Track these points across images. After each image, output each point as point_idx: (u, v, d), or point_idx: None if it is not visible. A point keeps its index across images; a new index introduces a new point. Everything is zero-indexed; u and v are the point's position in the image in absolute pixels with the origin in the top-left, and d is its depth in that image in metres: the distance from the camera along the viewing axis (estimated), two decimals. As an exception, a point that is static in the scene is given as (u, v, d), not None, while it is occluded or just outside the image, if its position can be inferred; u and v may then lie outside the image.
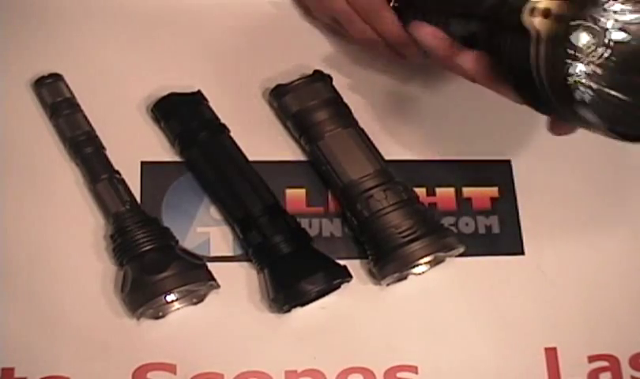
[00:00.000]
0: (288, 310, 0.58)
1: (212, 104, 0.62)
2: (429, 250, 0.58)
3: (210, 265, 0.58)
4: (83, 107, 0.61)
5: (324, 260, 0.58)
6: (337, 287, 0.59)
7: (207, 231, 0.60)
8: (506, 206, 0.64)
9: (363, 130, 0.62)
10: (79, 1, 0.66)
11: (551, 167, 0.66)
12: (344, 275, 0.59)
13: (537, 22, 0.44)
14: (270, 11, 0.68)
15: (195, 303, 0.58)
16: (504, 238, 0.63)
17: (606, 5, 0.43)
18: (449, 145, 0.66)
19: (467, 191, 0.64)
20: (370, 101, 0.65)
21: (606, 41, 0.43)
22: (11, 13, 0.64)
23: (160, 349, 0.57)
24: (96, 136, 0.60)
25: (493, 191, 0.65)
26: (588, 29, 0.43)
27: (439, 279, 0.61)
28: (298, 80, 0.62)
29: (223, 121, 0.62)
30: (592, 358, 0.61)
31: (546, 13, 0.44)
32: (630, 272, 0.64)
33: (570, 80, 0.43)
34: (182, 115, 0.61)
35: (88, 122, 0.60)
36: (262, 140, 0.63)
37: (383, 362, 0.59)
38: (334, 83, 0.63)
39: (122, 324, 0.57)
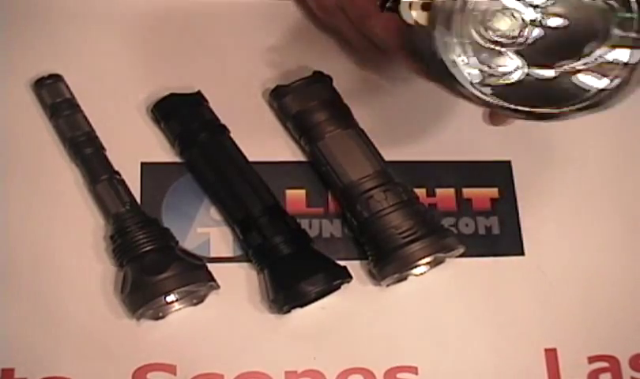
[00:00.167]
0: (288, 311, 0.58)
1: (212, 105, 0.62)
2: (429, 251, 0.58)
3: (210, 266, 0.58)
4: (83, 108, 0.61)
5: (324, 261, 0.58)
6: (337, 287, 0.59)
7: (207, 232, 0.60)
8: (506, 206, 0.64)
9: (363, 131, 0.62)
10: (79, 2, 0.66)
11: (551, 167, 0.66)
12: (344, 276, 0.59)
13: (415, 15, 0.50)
14: (270, 11, 0.68)
15: (195, 304, 0.58)
16: (504, 239, 0.63)
17: None
18: (449, 146, 0.66)
19: (467, 192, 0.64)
20: (370, 101, 0.65)
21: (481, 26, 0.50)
22: (11, 14, 0.64)
23: (160, 349, 0.57)
24: (96, 137, 0.60)
25: (493, 192, 0.65)
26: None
27: (439, 280, 0.61)
28: (298, 80, 0.62)
29: (223, 121, 0.62)
30: (592, 359, 0.61)
31: (424, 7, 0.49)
32: (629, 272, 0.64)
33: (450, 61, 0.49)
34: (182, 116, 0.61)
35: (88, 123, 0.60)
36: (262, 140, 0.63)
37: (383, 362, 0.59)
38: (334, 83, 0.63)
39: (122, 324, 0.57)
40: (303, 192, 0.62)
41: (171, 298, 0.57)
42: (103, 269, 0.58)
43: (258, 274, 0.59)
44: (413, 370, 0.59)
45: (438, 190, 0.64)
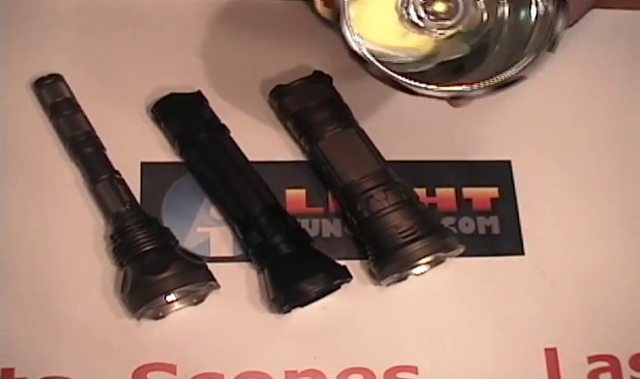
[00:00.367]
0: (288, 311, 0.58)
1: (212, 104, 0.62)
2: (429, 251, 0.58)
3: (210, 265, 0.58)
4: (83, 107, 0.61)
5: (324, 261, 0.58)
6: (337, 287, 0.59)
7: (207, 232, 0.60)
8: (506, 206, 0.64)
9: (363, 130, 0.62)
10: (79, 2, 0.66)
11: (551, 167, 0.66)
12: (344, 276, 0.59)
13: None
14: (270, 11, 0.68)
15: (195, 303, 0.58)
16: (504, 239, 0.63)
17: None
18: (449, 145, 0.66)
19: (467, 191, 0.64)
20: (370, 101, 0.65)
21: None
22: (11, 14, 0.64)
23: (160, 349, 0.57)
24: (96, 137, 0.60)
25: (493, 191, 0.65)
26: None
27: (439, 280, 0.61)
28: (298, 80, 0.62)
29: (223, 121, 0.62)
30: (592, 359, 0.61)
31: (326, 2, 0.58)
32: (630, 272, 0.64)
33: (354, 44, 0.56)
34: (182, 116, 0.61)
35: (88, 122, 0.60)
36: (262, 140, 0.63)
37: (383, 362, 0.59)
38: (334, 83, 0.63)
39: (123, 324, 0.57)
40: (302, 191, 0.62)
41: (171, 297, 0.57)
42: (103, 269, 0.58)
43: (258, 273, 0.59)
44: (413, 370, 0.59)
45: (438, 190, 0.64)
